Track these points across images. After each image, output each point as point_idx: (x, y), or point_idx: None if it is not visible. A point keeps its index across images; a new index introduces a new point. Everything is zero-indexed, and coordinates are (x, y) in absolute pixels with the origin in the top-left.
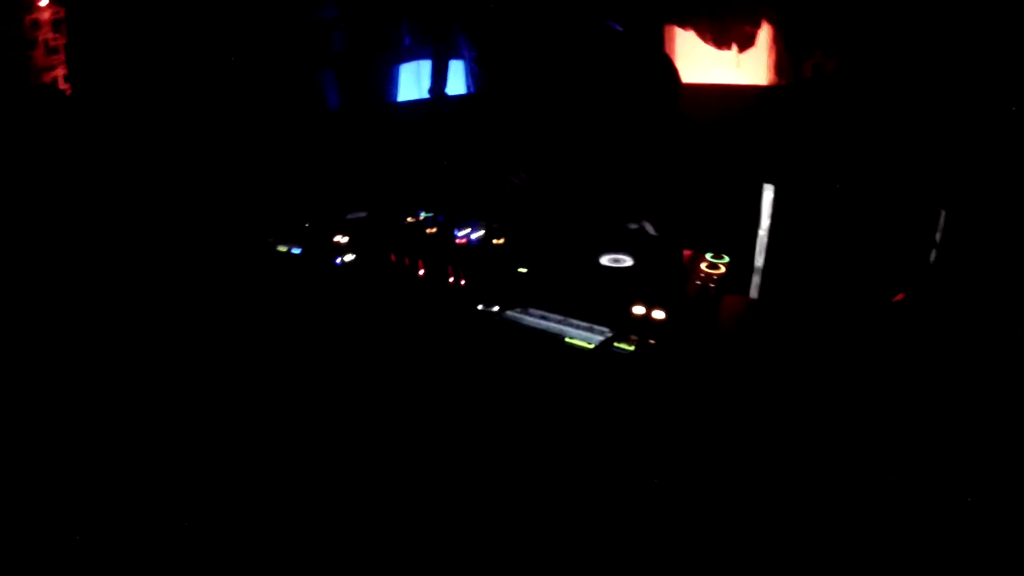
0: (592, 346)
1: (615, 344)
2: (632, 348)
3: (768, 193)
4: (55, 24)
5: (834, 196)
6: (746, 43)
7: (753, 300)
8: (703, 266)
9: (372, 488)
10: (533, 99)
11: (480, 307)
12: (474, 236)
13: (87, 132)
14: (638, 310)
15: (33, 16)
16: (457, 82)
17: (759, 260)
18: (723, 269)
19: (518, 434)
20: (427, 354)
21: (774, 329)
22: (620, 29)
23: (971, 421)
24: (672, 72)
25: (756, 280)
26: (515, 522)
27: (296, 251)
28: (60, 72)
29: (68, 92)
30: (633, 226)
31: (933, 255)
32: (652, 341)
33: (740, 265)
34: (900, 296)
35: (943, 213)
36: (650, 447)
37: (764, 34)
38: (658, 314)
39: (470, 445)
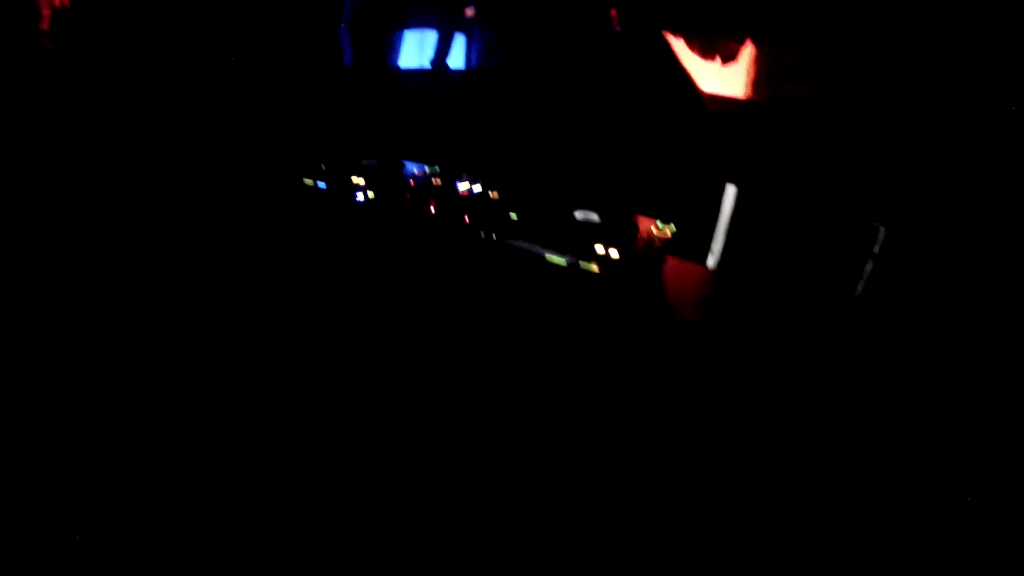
0: (566, 263)
1: (581, 264)
2: (595, 269)
3: (730, 190)
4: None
5: (790, 201)
6: (728, 58)
7: (704, 269)
8: (652, 228)
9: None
10: (539, 78)
11: (482, 234)
12: (474, 189)
13: (120, 77)
14: (599, 249)
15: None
16: (458, 56)
17: (716, 245)
18: (668, 235)
19: (513, 339)
20: (440, 270)
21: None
22: None
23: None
24: (687, 81)
25: (712, 258)
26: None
27: (321, 186)
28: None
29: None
30: (580, 216)
31: (868, 267)
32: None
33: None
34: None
35: (882, 229)
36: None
37: (747, 53)
38: (613, 253)
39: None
